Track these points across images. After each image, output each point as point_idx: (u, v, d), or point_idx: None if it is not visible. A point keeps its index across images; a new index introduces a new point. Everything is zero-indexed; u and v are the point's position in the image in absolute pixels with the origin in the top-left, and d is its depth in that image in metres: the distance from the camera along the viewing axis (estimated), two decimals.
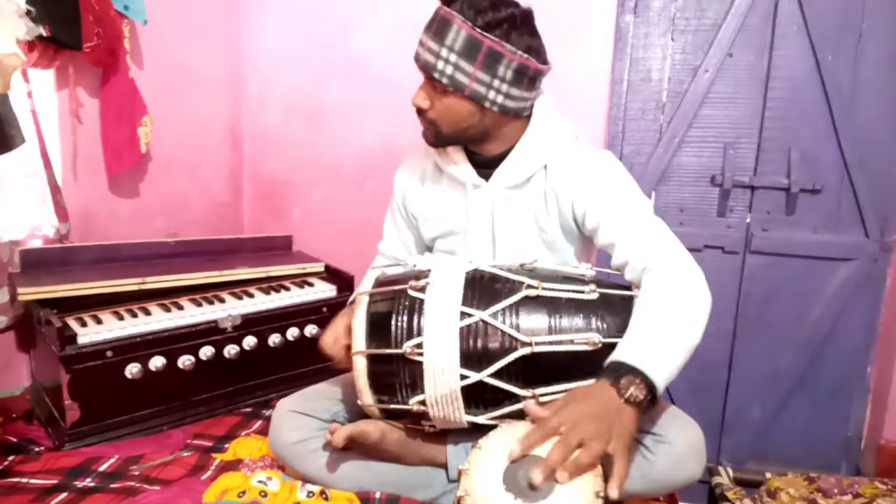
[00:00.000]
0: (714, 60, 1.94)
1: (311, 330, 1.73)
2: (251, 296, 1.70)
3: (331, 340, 1.22)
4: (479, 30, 1.12)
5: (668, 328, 1.01)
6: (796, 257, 2.00)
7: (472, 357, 1.07)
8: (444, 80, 1.15)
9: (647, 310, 1.04)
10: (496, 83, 1.16)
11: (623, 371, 0.95)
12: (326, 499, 1.16)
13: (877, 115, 1.89)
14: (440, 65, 1.14)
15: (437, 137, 1.25)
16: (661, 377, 0.95)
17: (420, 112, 1.23)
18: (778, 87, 1.93)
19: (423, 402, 1.10)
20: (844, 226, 1.96)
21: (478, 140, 1.25)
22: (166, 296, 1.61)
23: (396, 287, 1.14)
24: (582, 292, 1.10)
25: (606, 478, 0.90)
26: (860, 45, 1.87)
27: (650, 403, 0.96)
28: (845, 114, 1.90)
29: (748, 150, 1.98)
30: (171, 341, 1.50)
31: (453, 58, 1.13)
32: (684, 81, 1.98)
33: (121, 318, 1.48)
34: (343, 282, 1.84)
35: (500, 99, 1.17)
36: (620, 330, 1.04)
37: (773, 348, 2.04)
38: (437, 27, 1.14)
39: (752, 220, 2.01)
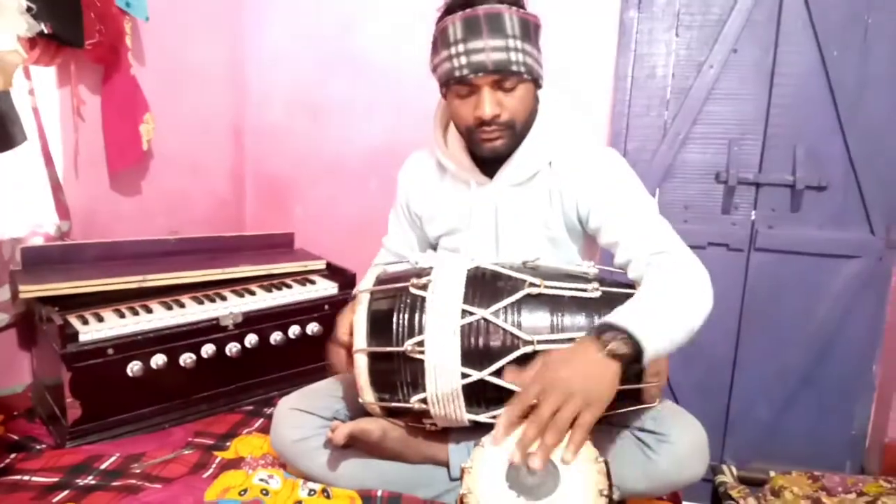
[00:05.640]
0: (719, 56, 1.93)
1: (312, 328, 1.73)
2: (253, 293, 1.69)
3: (337, 342, 1.21)
4: (521, 10, 1.12)
5: (663, 300, 1.00)
6: (801, 255, 1.98)
7: (474, 355, 1.07)
8: (522, 70, 1.11)
9: (645, 288, 1.04)
10: (539, 55, 1.16)
11: (606, 328, 0.94)
12: (328, 497, 1.15)
13: (883, 111, 1.88)
14: (513, 56, 1.10)
15: (512, 139, 1.19)
16: (647, 337, 0.92)
17: (488, 122, 1.14)
18: (783, 83, 1.92)
19: (424, 401, 1.10)
20: (850, 223, 1.95)
21: (529, 128, 1.22)
22: (168, 293, 1.61)
23: (398, 285, 1.14)
24: (585, 290, 1.09)
25: (610, 475, 0.89)
26: (866, 40, 1.85)
27: (636, 365, 0.93)
28: (851, 110, 1.89)
29: (753, 146, 1.97)
30: (172, 339, 1.50)
31: (520, 45, 1.11)
32: (689, 77, 1.97)
33: (122, 315, 1.48)
34: (345, 279, 1.83)
35: (541, 70, 1.18)
36: None
37: (778, 346, 2.03)
38: (490, 24, 1.09)
39: (757, 217, 2.00)
